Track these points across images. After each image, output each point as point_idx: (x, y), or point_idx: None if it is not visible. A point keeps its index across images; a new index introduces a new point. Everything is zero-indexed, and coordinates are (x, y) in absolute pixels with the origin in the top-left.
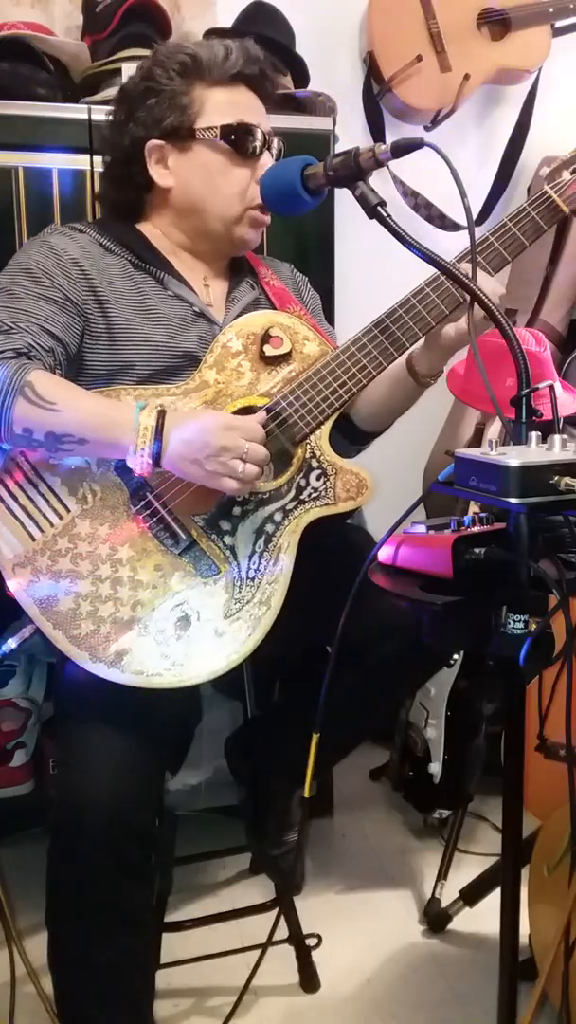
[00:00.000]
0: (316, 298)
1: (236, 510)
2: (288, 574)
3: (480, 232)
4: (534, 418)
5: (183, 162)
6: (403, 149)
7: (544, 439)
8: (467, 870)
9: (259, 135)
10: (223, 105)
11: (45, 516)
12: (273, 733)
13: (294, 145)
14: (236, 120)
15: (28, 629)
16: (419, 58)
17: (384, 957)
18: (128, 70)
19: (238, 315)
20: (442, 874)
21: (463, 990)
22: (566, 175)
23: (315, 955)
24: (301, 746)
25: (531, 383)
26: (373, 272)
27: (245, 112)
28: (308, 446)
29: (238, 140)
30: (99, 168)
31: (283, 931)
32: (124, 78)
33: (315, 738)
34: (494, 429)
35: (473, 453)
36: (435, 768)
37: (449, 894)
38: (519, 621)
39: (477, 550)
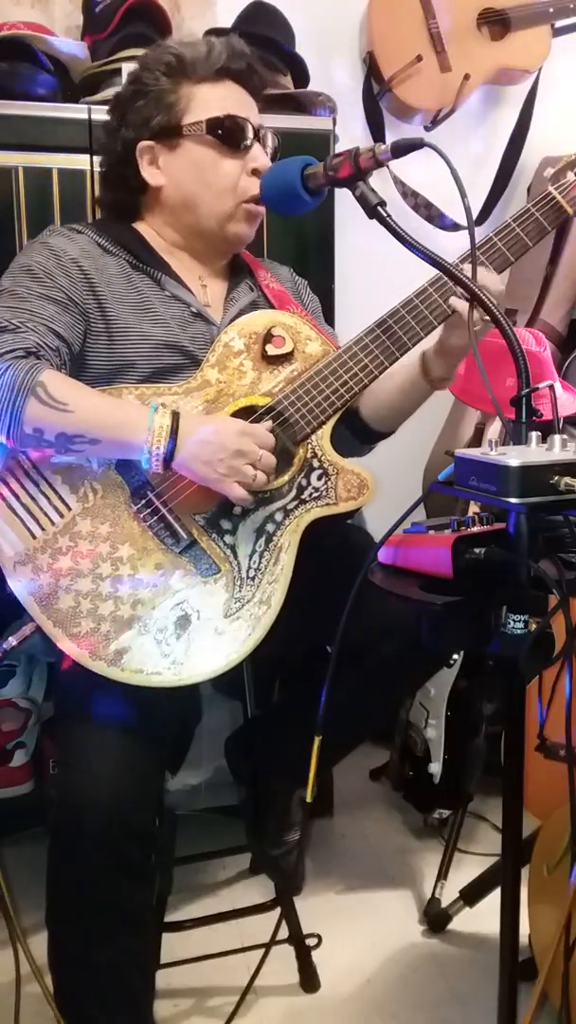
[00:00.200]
0: (316, 301)
1: (237, 509)
2: (288, 573)
3: (483, 232)
4: (534, 418)
5: (173, 160)
6: (403, 149)
7: (544, 439)
8: (467, 870)
9: (247, 127)
10: (209, 100)
11: (46, 514)
12: (273, 733)
13: (294, 145)
14: (222, 113)
15: (28, 627)
16: (419, 58)
17: (384, 957)
18: (128, 70)
19: (236, 316)
20: (442, 874)
21: (463, 990)
22: (571, 176)
23: (315, 955)
24: (301, 746)
25: (531, 383)
26: (373, 272)
27: (231, 105)
28: (309, 446)
29: (225, 132)
30: (99, 168)
31: (283, 931)
32: (124, 78)
33: (317, 740)
34: (494, 429)
35: (473, 453)
36: (435, 768)
37: (449, 894)
38: (519, 621)
39: (477, 550)
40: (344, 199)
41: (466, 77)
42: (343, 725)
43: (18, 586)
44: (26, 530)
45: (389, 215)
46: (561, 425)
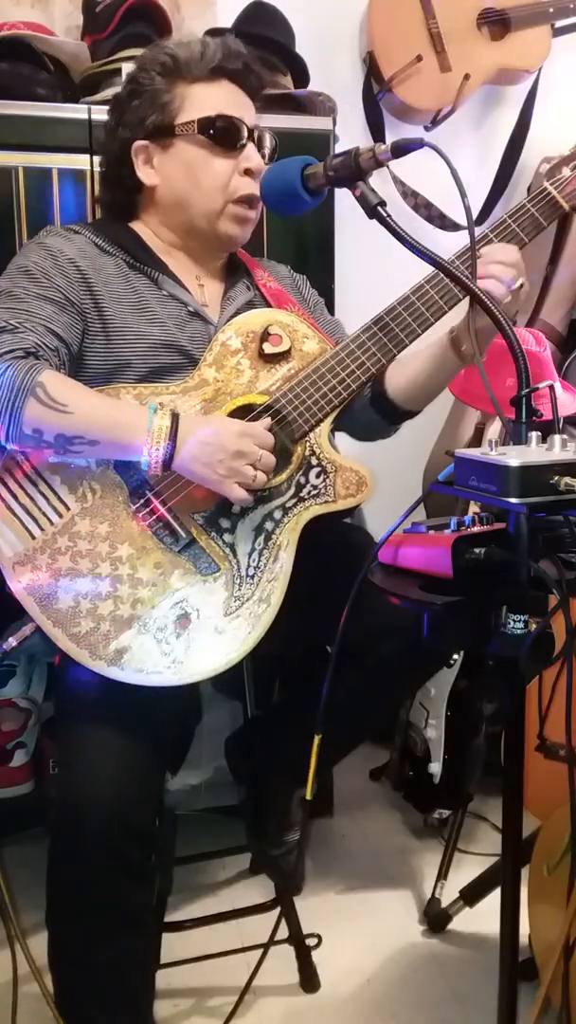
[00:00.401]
0: (316, 293)
1: (236, 508)
2: (288, 572)
3: (480, 230)
4: (534, 418)
5: (166, 159)
6: (403, 149)
7: (544, 439)
8: (467, 870)
9: (240, 127)
10: (202, 100)
11: (45, 514)
12: (273, 733)
13: (294, 145)
14: (215, 112)
15: (28, 627)
16: (419, 58)
17: (384, 957)
18: (128, 70)
19: (233, 315)
20: (442, 874)
21: (463, 990)
22: (566, 171)
23: (315, 955)
24: (301, 746)
25: (531, 383)
26: (373, 272)
27: (225, 105)
28: (308, 444)
29: (217, 132)
30: (99, 168)
31: (283, 931)
32: (124, 78)
33: (316, 739)
34: (494, 429)
35: (473, 453)
36: (435, 768)
37: (449, 894)
38: (519, 621)
39: (477, 550)
40: (344, 199)
41: (466, 77)
42: (343, 725)
43: (17, 586)
44: (25, 530)
45: (389, 215)
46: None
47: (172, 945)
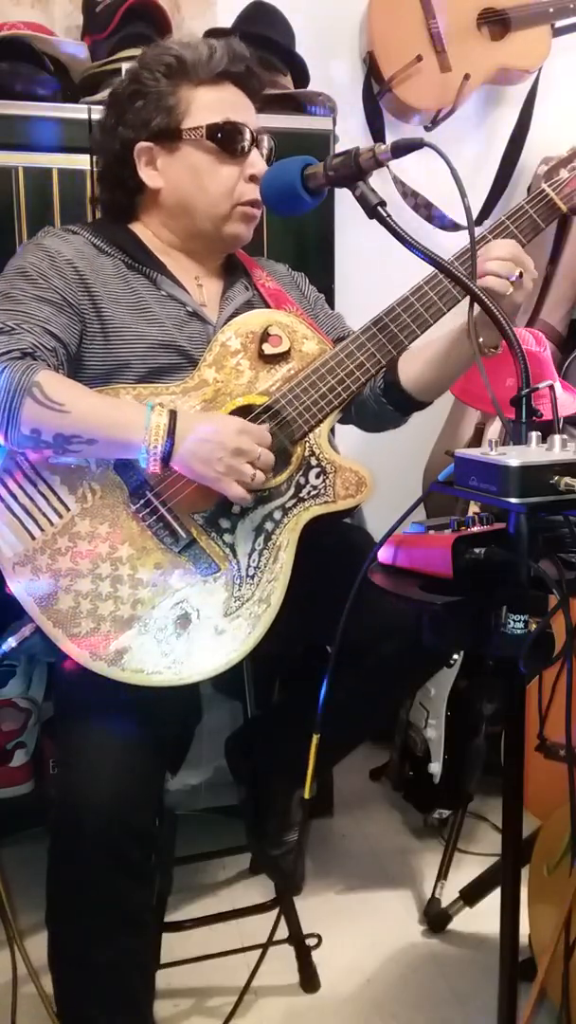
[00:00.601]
0: (315, 290)
1: (235, 508)
2: (288, 572)
3: (479, 231)
4: (534, 418)
5: (171, 163)
6: (403, 149)
7: (544, 439)
8: (467, 870)
9: (246, 133)
10: (209, 104)
11: (45, 515)
12: (273, 733)
13: (294, 145)
14: (222, 119)
15: (28, 628)
16: (419, 58)
17: (384, 957)
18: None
19: (231, 315)
20: (442, 874)
21: (463, 990)
22: (564, 173)
23: (315, 955)
24: (301, 746)
25: (531, 383)
26: (373, 272)
27: (231, 110)
28: (307, 444)
29: (224, 138)
30: (97, 167)
31: (283, 931)
32: (124, 75)
33: (315, 739)
34: (494, 429)
35: (473, 453)
36: (435, 768)
37: (449, 894)
38: (519, 621)
39: (477, 550)
40: (344, 199)
41: (466, 77)
42: (343, 725)
43: (17, 587)
44: (25, 531)
45: (389, 215)
46: (561, 425)
47: (172, 945)
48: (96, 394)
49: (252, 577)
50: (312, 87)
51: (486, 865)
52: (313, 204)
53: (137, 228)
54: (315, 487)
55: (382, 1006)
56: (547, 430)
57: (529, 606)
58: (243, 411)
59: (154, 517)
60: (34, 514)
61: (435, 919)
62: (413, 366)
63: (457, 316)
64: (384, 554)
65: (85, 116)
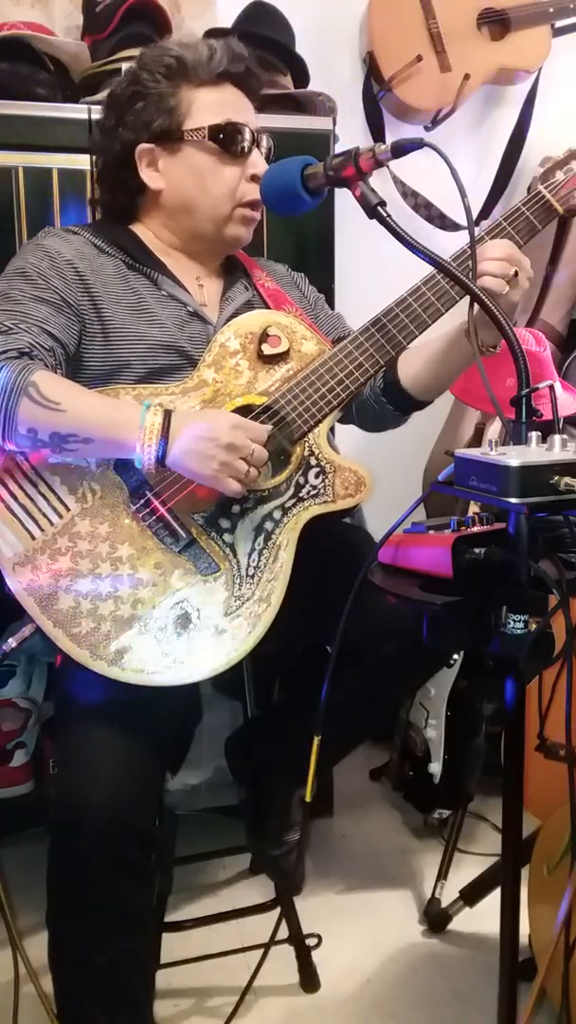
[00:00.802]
0: (315, 290)
1: (235, 508)
2: (288, 571)
3: (477, 232)
4: (534, 418)
5: (173, 164)
6: (403, 149)
7: (544, 439)
8: (467, 870)
9: (247, 133)
10: (210, 105)
11: (45, 515)
12: (273, 733)
13: (294, 145)
14: (224, 119)
15: (28, 628)
16: (419, 58)
17: (384, 957)
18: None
19: (232, 315)
20: (442, 874)
21: (463, 990)
22: (560, 175)
23: (315, 955)
24: (301, 746)
25: (531, 383)
26: (373, 272)
27: (232, 111)
28: (307, 444)
29: (226, 139)
30: (96, 168)
31: (283, 931)
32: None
33: (316, 740)
34: (494, 429)
35: (473, 453)
36: (435, 768)
37: (449, 894)
38: (519, 621)
39: (477, 550)
40: (344, 199)
41: (466, 77)
42: (343, 725)
43: (17, 587)
44: (25, 531)
45: (389, 215)
46: (561, 425)
47: (172, 945)
48: (93, 393)
49: (252, 576)
50: (312, 87)
51: (486, 865)
52: (313, 204)
53: (138, 229)
54: (314, 487)
55: (382, 1006)
56: (547, 430)
57: (529, 606)
58: (242, 411)
59: (154, 517)
60: (34, 514)
61: (435, 919)
62: (412, 365)
63: (455, 316)
64: (384, 554)
65: (85, 116)
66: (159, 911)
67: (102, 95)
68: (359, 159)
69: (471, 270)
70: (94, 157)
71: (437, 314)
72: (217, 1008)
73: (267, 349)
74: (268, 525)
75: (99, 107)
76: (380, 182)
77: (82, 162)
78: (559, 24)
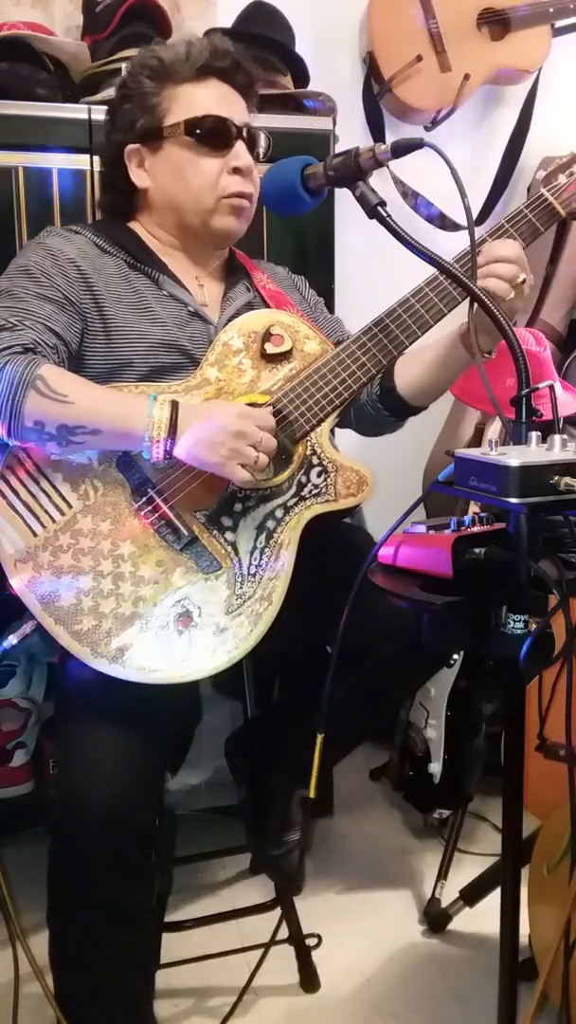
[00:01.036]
0: (315, 293)
1: (237, 506)
2: (289, 570)
3: (478, 233)
4: (534, 418)
5: (156, 162)
6: (403, 149)
7: (544, 439)
8: (467, 870)
9: (228, 125)
10: (189, 100)
11: (47, 512)
12: (273, 733)
13: (294, 145)
14: (201, 113)
15: (29, 625)
16: (419, 58)
17: (384, 957)
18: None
19: (232, 316)
20: (442, 874)
21: (463, 990)
22: (562, 178)
23: (315, 955)
24: (301, 746)
25: (531, 383)
26: (373, 272)
27: (212, 105)
28: (309, 443)
29: (204, 132)
30: (99, 168)
31: (283, 931)
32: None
33: (320, 738)
34: (494, 429)
35: (473, 453)
36: (435, 768)
37: (449, 894)
38: (519, 621)
39: (477, 550)
40: (344, 199)
41: (466, 77)
42: (343, 725)
43: (19, 584)
44: (27, 528)
45: (389, 215)
46: (561, 425)
47: (172, 945)
48: (99, 387)
49: (254, 575)
50: (312, 87)
51: (486, 865)
52: (313, 204)
53: (137, 228)
54: (316, 486)
55: (382, 1006)
56: (547, 430)
57: (529, 606)
58: None
59: (156, 515)
60: (36, 511)
61: (435, 919)
62: (408, 371)
63: (451, 322)
64: (384, 554)
65: (85, 116)
66: (159, 911)
67: (102, 95)
68: (359, 159)
69: (472, 271)
70: (96, 159)
71: (440, 314)
72: (217, 1008)
73: (270, 348)
74: (270, 524)
75: (99, 107)
76: (380, 182)
77: (82, 162)
78: (559, 24)
